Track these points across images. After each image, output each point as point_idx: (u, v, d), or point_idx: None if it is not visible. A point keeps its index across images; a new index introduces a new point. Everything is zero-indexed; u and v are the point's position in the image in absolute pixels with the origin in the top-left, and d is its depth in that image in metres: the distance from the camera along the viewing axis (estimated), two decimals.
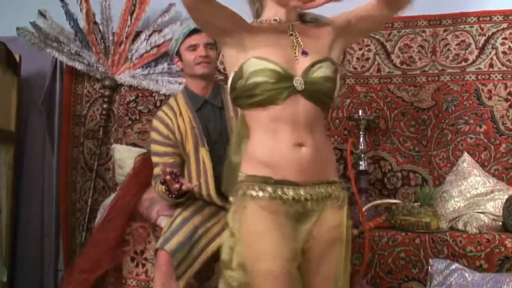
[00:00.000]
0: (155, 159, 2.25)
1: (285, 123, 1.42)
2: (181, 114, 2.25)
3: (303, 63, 1.45)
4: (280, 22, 1.51)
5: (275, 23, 1.51)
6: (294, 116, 1.42)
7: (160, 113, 2.30)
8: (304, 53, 1.47)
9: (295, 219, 1.43)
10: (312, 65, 1.44)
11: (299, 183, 1.42)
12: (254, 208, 1.40)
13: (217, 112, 2.28)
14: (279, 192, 1.40)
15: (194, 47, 2.24)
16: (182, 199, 2.15)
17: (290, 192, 1.41)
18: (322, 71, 1.45)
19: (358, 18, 1.55)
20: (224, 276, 1.44)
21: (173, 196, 2.05)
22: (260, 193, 1.40)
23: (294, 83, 1.41)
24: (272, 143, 1.42)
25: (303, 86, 1.41)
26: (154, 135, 2.26)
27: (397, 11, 1.54)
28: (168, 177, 1.98)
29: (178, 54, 2.29)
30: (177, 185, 1.98)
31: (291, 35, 1.49)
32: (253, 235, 1.40)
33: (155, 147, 2.26)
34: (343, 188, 1.52)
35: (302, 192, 1.42)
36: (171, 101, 2.32)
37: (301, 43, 1.48)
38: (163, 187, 2.07)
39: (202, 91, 2.29)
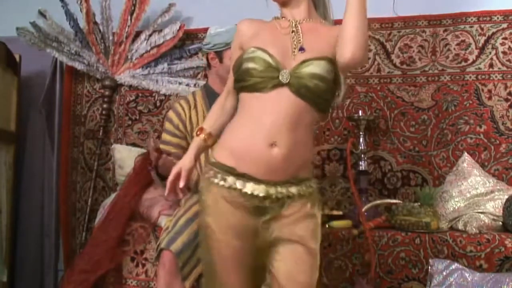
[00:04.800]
0: (161, 146, 2.32)
1: (268, 114, 1.46)
2: (195, 106, 2.32)
3: (298, 59, 1.49)
4: (286, 19, 1.59)
5: (280, 20, 1.60)
6: (278, 108, 1.45)
7: (176, 104, 2.40)
8: (302, 49, 1.51)
9: (254, 212, 1.47)
10: (303, 61, 1.48)
11: (261, 180, 1.46)
12: (215, 193, 1.48)
13: None
14: (238, 184, 1.46)
15: None
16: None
17: (249, 186, 1.45)
18: (310, 68, 1.47)
19: None
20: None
21: (152, 167, 2.19)
22: (221, 182, 1.47)
23: (280, 75, 1.46)
24: (247, 134, 1.47)
25: (288, 79, 1.46)
26: (166, 124, 2.36)
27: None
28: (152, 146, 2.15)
29: (218, 53, 2.28)
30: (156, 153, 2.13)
31: (292, 31, 1.55)
32: (210, 217, 1.50)
33: (163, 136, 2.35)
34: (311, 186, 1.54)
35: (261, 189, 1.46)
36: (189, 95, 2.41)
37: (301, 40, 1.52)
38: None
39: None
